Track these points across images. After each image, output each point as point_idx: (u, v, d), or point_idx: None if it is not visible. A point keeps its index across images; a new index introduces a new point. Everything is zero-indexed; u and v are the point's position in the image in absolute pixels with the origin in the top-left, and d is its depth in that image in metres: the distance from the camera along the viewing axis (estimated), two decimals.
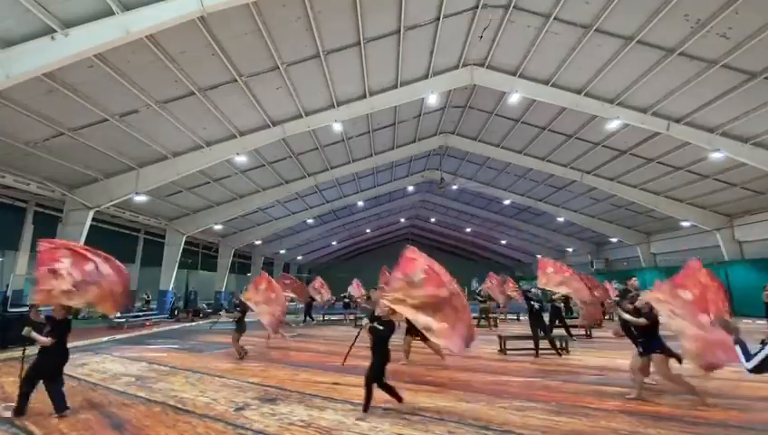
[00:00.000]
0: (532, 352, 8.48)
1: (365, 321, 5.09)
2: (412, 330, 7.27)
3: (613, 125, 13.85)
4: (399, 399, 4.70)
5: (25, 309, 10.75)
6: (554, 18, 10.33)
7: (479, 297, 15.98)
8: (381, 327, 4.70)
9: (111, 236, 18.82)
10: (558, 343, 8.72)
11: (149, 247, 21.32)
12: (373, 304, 7.64)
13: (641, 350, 5.19)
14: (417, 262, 4.76)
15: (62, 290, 4.57)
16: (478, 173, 23.23)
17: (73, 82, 9.08)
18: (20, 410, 4.47)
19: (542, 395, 5.42)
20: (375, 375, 4.64)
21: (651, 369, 5.22)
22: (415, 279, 4.63)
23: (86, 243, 12.79)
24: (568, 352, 8.69)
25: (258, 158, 16.12)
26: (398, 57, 11.85)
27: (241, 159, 14.68)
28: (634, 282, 9.77)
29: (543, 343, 8.60)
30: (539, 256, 18.90)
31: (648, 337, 5.13)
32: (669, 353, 4.97)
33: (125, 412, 4.82)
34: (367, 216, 31.66)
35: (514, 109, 15.37)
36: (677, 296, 4.88)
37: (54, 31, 7.00)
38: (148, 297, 19.26)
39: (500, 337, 9.32)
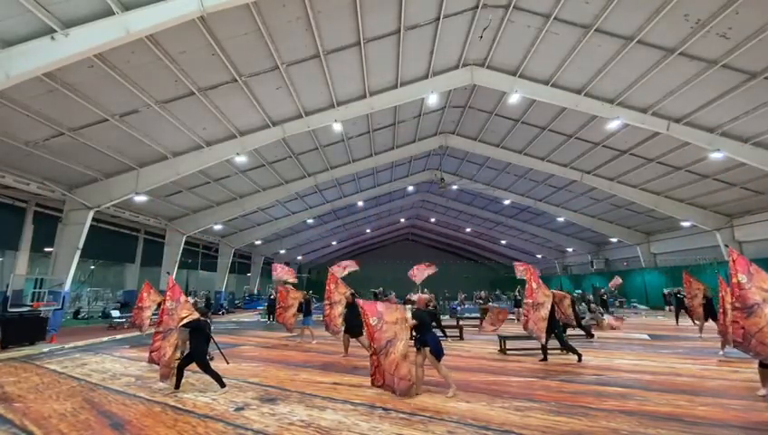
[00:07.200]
0: (532, 352, 8.47)
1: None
2: (349, 331, 8.68)
3: (613, 125, 13.83)
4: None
5: (25, 309, 10.91)
6: (554, 18, 10.32)
7: (479, 300, 16.07)
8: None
9: (111, 236, 18.80)
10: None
11: (149, 247, 21.27)
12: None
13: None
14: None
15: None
16: (478, 173, 23.23)
17: (73, 82, 9.07)
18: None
19: (541, 395, 5.43)
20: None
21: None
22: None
23: (86, 243, 12.86)
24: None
25: (258, 158, 16.12)
26: (397, 57, 11.84)
27: (241, 159, 14.66)
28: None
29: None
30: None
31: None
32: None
33: (125, 412, 4.83)
34: (367, 216, 31.65)
35: (514, 109, 15.36)
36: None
37: (54, 31, 7.00)
38: None
39: (500, 337, 9.32)
